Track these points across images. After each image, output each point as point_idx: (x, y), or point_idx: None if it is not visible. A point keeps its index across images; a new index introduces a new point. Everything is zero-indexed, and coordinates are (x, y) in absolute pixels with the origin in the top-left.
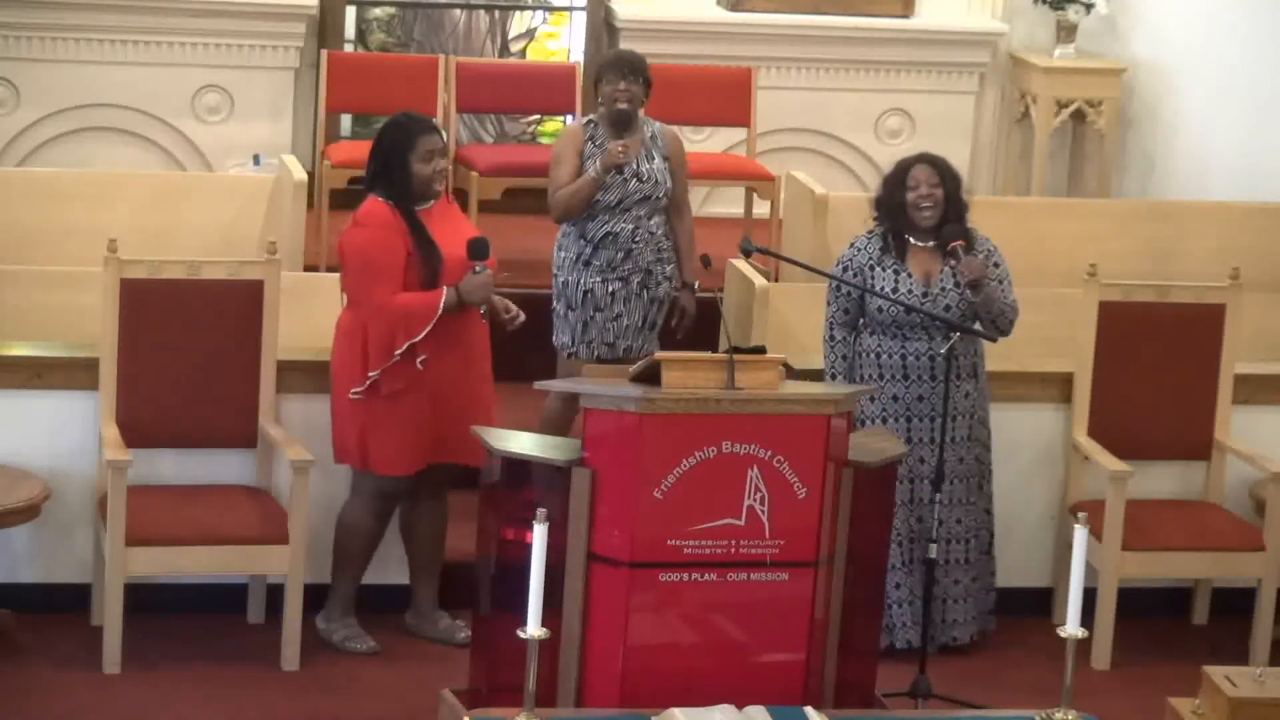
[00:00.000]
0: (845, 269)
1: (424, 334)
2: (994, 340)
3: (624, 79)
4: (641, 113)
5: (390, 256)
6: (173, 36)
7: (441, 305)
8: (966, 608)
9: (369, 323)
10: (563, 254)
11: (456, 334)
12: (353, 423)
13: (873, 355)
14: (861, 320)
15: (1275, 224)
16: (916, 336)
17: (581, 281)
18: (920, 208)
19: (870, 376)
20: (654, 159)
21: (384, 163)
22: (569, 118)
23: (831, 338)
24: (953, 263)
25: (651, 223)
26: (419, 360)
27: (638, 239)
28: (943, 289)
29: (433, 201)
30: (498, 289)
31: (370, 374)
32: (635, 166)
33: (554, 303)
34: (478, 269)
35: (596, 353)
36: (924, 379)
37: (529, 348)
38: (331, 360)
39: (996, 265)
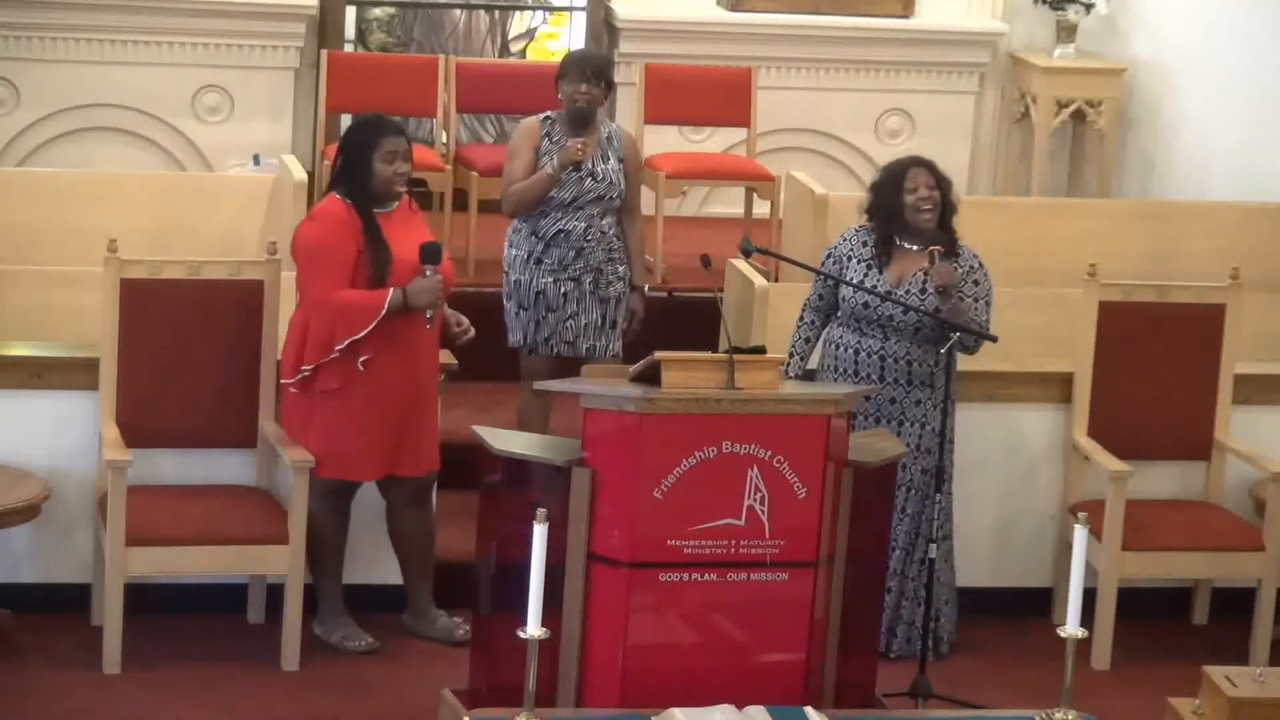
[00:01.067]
0: (829, 255)
1: (365, 332)
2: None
3: (586, 81)
4: (601, 114)
5: (338, 252)
6: (173, 36)
7: (386, 305)
8: (891, 618)
9: (310, 316)
10: (514, 252)
11: (402, 338)
12: (295, 420)
13: (832, 346)
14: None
15: (1275, 224)
16: (872, 334)
17: (534, 281)
18: (920, 210)
19: (827, 367)
20: (609, 160)
21: (347, 160)
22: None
23: (800, 318)
24: (926, 266)
25: (604, 222)
26: (360, 360)
27: (589, 237)
28: (907, 291)
29: (394, 205)
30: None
31: (304, 367)
32: (590, 166)
33: (505, 301)
34: (428, 273)
35: (556, 350)
36: (872, 379)
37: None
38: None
39: (976, 284)
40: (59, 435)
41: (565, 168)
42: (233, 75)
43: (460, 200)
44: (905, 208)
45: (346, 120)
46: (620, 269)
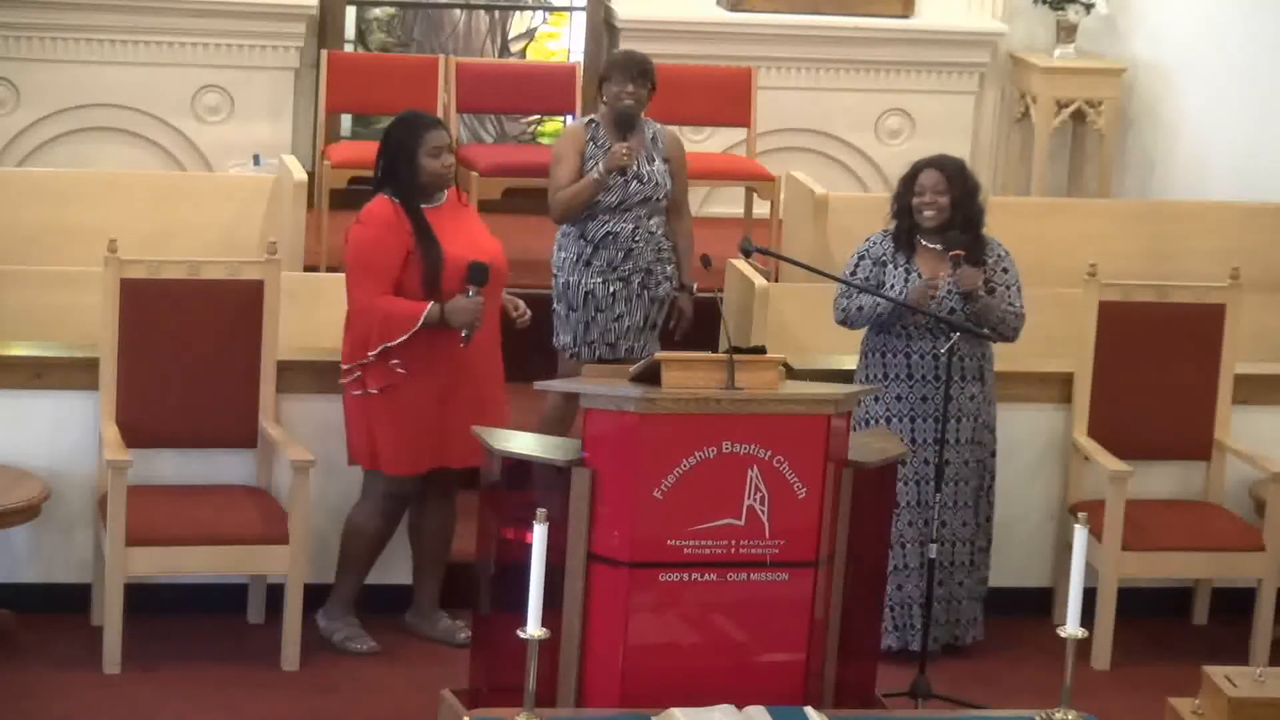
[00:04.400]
0: (862, 258)
1: (399, 341)
2: (994, 341)
3: (632, 81)
4: (642, 114)
5: (384, 256)
6: (173, 36)
7: (423, 319)
8: (972, 608)
9: (353, 319)
10: (563, 255)
11: (440, 350)
12: (360, 422)
13: (878, 354)
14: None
15: (1275, 224)
16: (921, 336)
17: (583, 283)
18: (922, 211)
19: (875, 376)
20: (654, 161)
21: (392, 160)
22: (569, 118)
23: (845, 295)
24: (951, 271)
25: (651, 223)
26: (395, 365)
27: (638, 239)
28: (948, 292)
29: (442, 199)
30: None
31: (345, 366)
32: (636, 168)
33: (554, 304)
34: (470, 293)
35: (598, 353)
36: (929, 379)
37: (530, 347)
38: None
39: (1005, 271)
40: (59, 435)
41: (612, 172)
42: (233, 75)
43: None
44: (913, 208)
45: (347, 120)
46: (669, 269)
